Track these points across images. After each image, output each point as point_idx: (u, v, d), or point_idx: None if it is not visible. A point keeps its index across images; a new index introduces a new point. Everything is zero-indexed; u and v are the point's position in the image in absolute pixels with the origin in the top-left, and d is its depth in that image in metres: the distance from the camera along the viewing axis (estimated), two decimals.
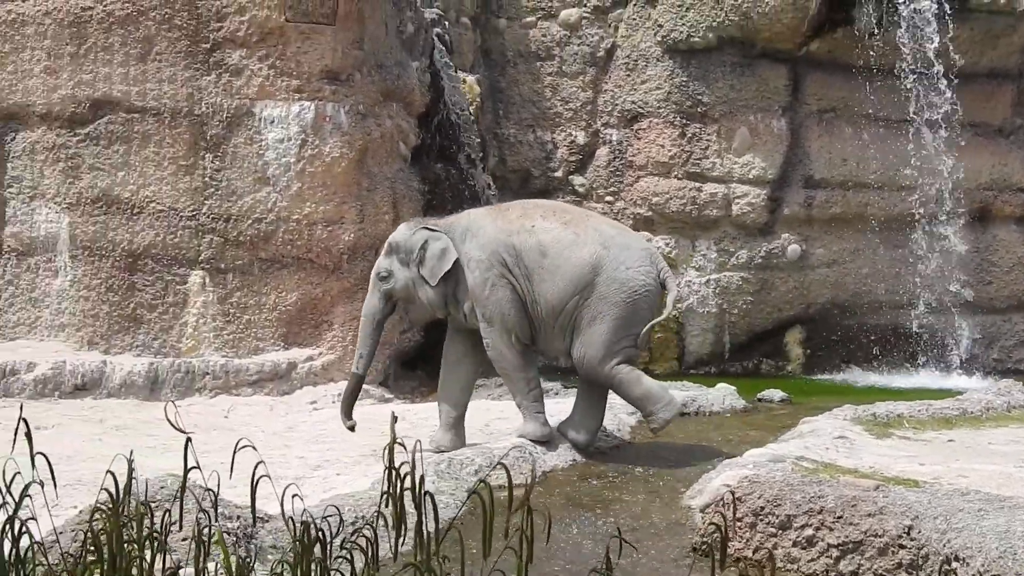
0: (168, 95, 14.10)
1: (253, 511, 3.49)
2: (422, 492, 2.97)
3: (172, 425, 3.47)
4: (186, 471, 3.56)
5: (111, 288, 14.09)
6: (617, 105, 17.50)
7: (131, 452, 3.91)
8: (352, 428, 10.54)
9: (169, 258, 14.12)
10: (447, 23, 16.78)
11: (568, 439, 10.48)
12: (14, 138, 14.32)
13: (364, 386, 13.34)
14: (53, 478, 3.64)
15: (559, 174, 17.83)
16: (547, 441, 10.28)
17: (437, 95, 15.74)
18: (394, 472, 3.07)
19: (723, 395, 13.39)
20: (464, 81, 16.74)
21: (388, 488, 3.04)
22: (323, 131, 14.08)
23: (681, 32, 17.00)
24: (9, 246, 14.27)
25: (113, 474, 3.53)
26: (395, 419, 3.48)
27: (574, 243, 10.07)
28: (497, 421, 11.92)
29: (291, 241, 14.04)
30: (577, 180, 17.74)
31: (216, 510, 3.68)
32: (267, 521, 7.32)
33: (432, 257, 10.27)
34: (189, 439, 3.54)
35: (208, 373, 13.65)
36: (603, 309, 9.99)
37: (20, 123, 14.32)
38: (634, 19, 17.42)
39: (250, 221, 14.03)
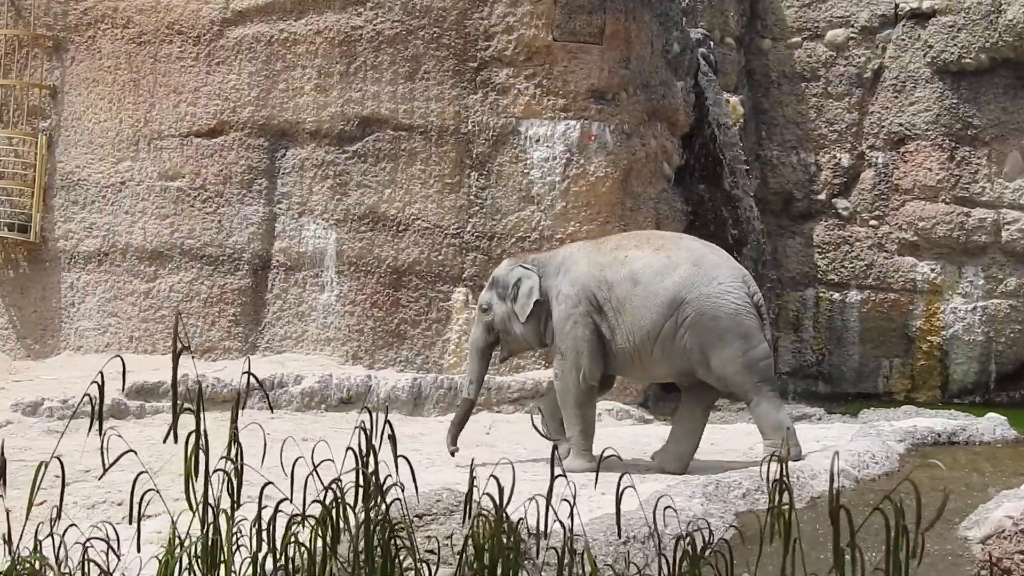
0: (435, 113, 14.22)
1: (618, 521, 3.40)
2: (837, 506, 2.82)
3: (538, 432, 3.40)
4: (552, 488, 3.48)
5: (376, 304, 14.24)
6: (883, 127, 17.15)
7: (469, 463, 3.85)
8: (453, 454, 10.60)
9: (433, 275, 14.22)
10: (712, 43, 16.62)
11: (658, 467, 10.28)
12: (284, 154, 14.56)
13: (624, 406, 13.33)
14: (415, 481, 3.62)
15: (822, 197, 17.54)
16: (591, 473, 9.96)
17: (701, 115, 15.60)
18: (780, 490, 2.94)
19: (993, 425, 12.94)
20: (728, 101, 16.57)
21: (774, 504, 2.91)
22: (588, 150, 14.04)
23: (952, 53, 16.60)
24: (278, 260, 14.51)
25: (497, 479, 3.49)
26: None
27: (665, 267, 10.11)
28: (760, 445, 11.70)
29: None
30: (840, 203, 17.42)
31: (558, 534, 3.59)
32: (543, 537, 7.24)
33: (522, 296, 10.54)
34: (555, 447, 3.47)
35: None
36: (709, 325, 9.97)
37: (290, 140, 14.55)
38: (903, 40, 17.05)
39: (514, 239, 14.06)
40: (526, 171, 14.10)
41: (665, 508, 3.48)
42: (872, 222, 17.24)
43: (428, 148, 14.23)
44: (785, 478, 2.97)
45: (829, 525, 3.27)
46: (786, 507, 2.85)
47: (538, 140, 14.07)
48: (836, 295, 17.35)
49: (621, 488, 3.42)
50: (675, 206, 14.90)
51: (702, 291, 9.99)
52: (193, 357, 14.07)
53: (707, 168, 15.70)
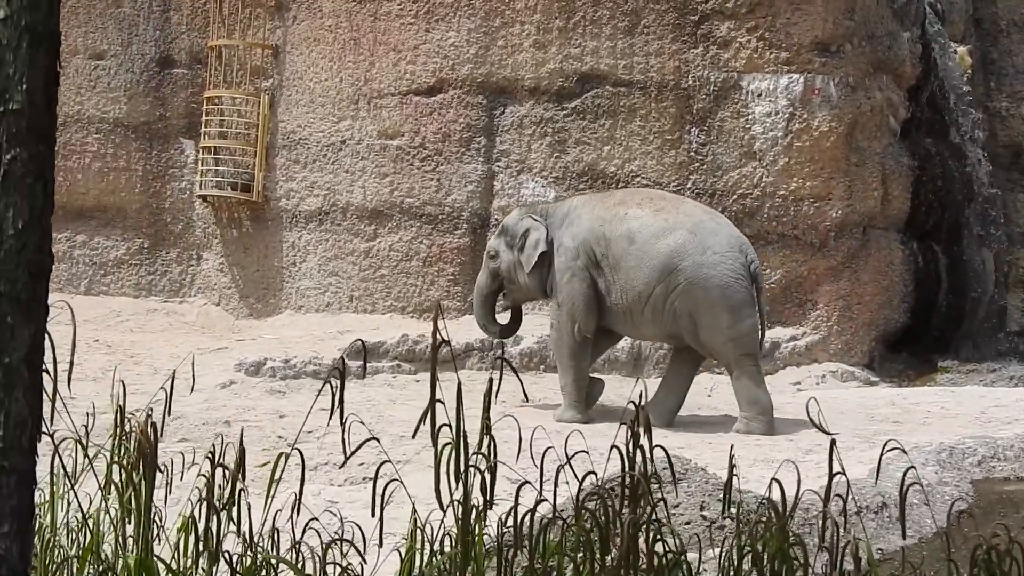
0: (655, 68, 14.02)
1: (902, 521, 3.23)
2: None
3: (815, 424, 3.23)
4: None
5: None
6: None
7: (731, 447, 3.71)
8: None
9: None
10: None
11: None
12: (503, 112, 14.49)
13: (849, 368, 13.08)
14: (674, 479, 3.49)
15: None
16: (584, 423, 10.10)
17: (928, 66, 15.18)
18: None
19: None
20: (956, 52, 16.04)
21: None
22: (812, 104, 13.72)
23: None
24: (497, 219, 14.46)
25: (777, 480, 3.35)
26: None
27: (662, 230, 10.29)
28: (993, 408, 11.37)
29: (776, 217, 13.76)
30: None
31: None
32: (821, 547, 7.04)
33: (529, 246, 10.84)
34: (833, 441, 3.32)
35: None
36: (698, 295, 10.18)
37: (509, 97, 14.47)
38: None
39: (735, 196, 13.81)
40: (748, 126, 13.84)
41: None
42: None
43: (647, 104, 14.05)
44: None
45: None
46: None
47: (760, 94, 13.79)
48: None
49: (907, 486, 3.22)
50: (902, 161, 14.54)
51: (695, 259, 10.20)
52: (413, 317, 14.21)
53: (934, 121, 15.31)
